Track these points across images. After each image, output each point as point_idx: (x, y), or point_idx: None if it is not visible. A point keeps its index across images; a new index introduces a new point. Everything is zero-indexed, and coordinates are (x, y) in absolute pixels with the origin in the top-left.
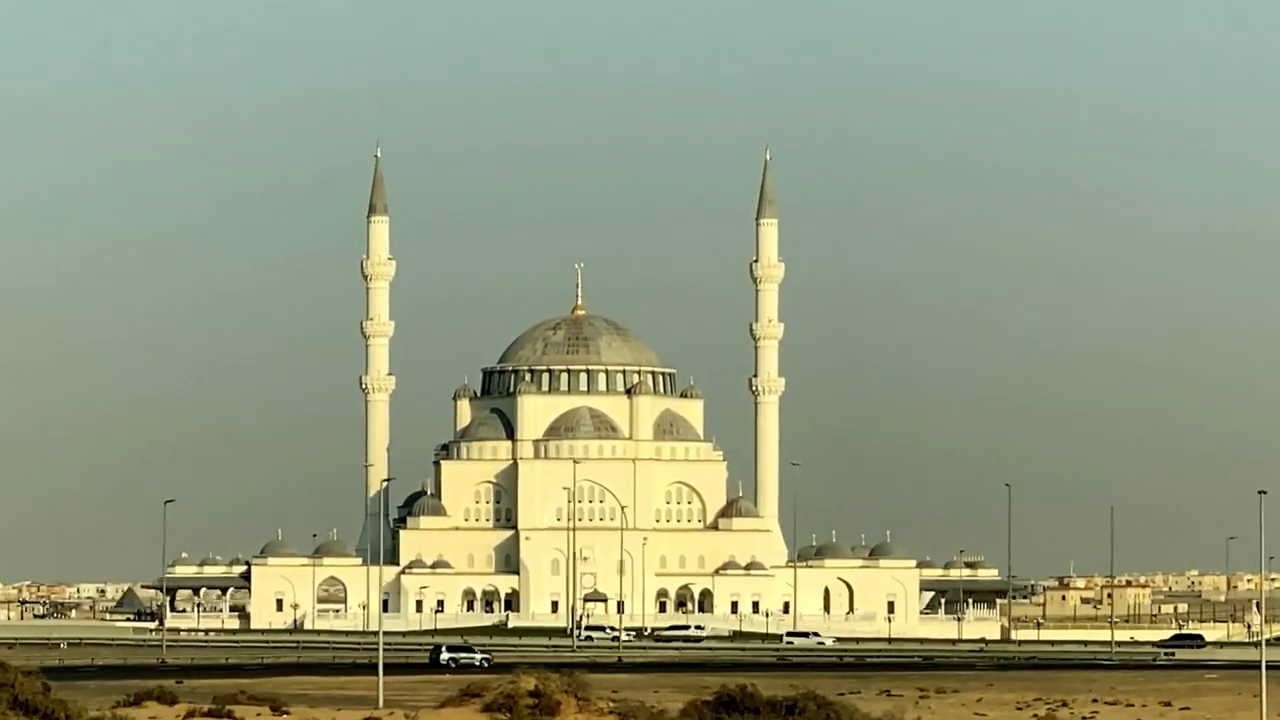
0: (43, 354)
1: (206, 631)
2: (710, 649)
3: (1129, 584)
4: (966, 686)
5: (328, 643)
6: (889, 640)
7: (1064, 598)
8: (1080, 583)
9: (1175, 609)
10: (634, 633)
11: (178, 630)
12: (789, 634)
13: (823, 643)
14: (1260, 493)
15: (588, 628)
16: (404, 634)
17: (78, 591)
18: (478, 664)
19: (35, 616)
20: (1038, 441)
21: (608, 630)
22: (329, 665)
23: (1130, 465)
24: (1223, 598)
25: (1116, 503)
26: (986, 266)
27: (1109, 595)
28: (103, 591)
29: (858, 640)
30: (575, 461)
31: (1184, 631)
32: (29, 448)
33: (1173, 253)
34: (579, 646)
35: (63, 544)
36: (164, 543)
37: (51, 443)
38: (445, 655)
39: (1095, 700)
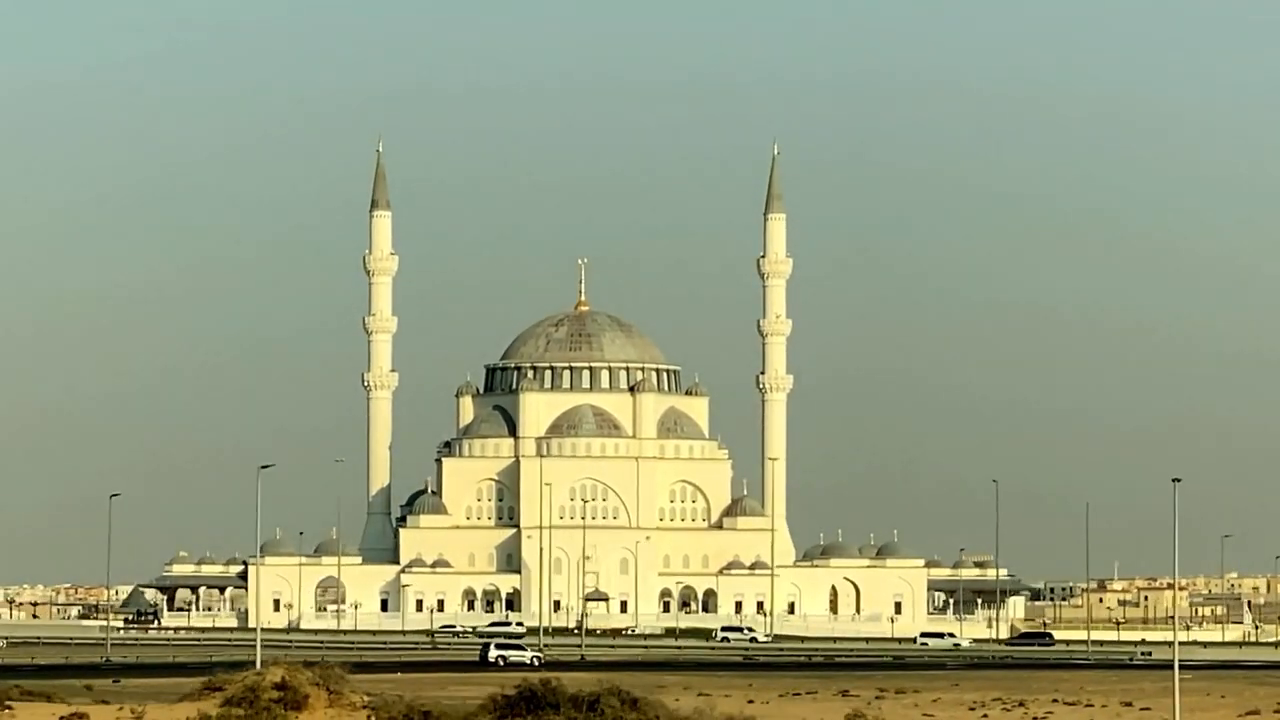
0: (40, 350)
1: (200, 630)
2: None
3: (1170, 586)
4: (930, 686)
5: (303, 642)
6: (895, 640)
7: (1101, 599)
8: (1118, 585)
9: (1213, 610)
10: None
11: (174, 629)
12: (724, 629)
13: (756, 639)
14: (1174, 480)
15: (724, 629)
16: (403, 632)
17: (115, 593)
18: (528, 662)
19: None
20: (1070, 444)
21: (745, 631)
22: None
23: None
24: (1263, 600)
25: (1157, 507)
26: (1002, 261)
27: (1145, 597)
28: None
29: (830, 639)
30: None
31: (1032, 630)
32: (32, 446)
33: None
34: (715, 647)
35: (65, 544)
36: (109, 542)
37: (50, 441)
38: (494, 653)
39: (1055, 700)
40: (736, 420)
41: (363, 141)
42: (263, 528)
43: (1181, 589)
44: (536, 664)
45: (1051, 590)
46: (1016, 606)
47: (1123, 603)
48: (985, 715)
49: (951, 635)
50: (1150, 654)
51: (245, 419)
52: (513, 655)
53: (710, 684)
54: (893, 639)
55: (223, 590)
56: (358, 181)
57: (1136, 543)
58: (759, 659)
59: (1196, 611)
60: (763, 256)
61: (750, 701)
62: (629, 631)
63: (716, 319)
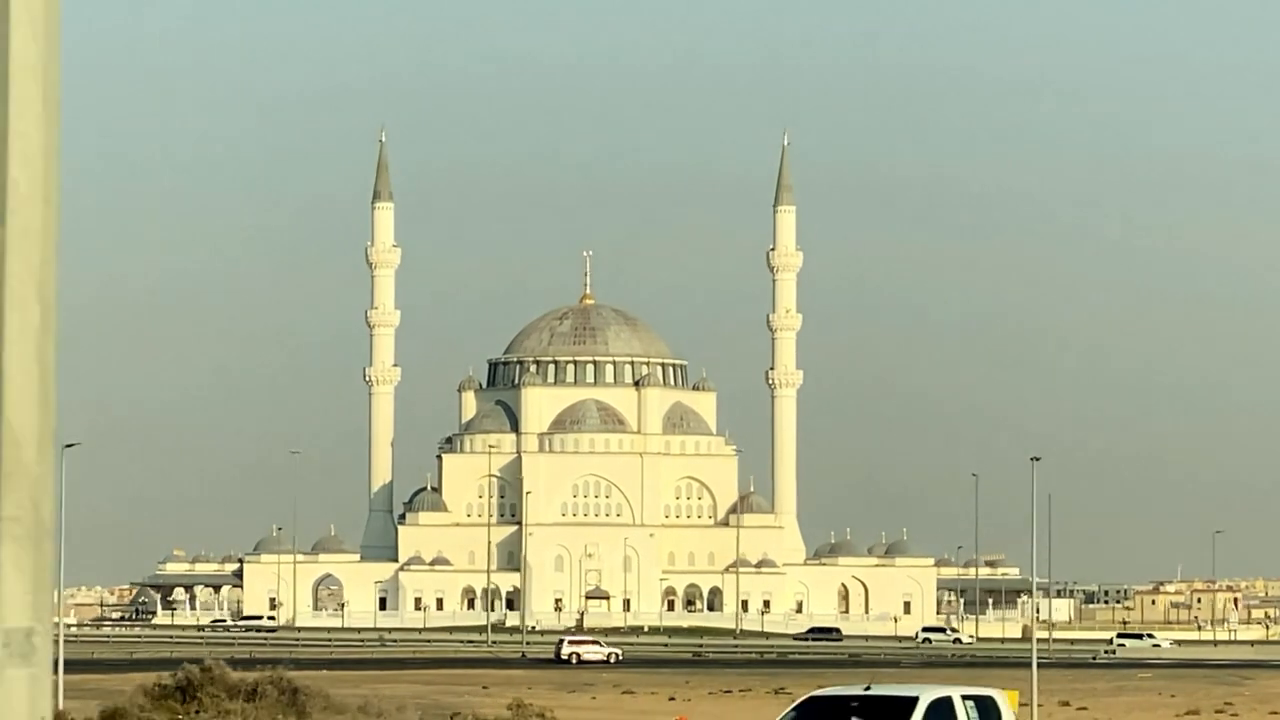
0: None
1: (182, 629)
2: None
3: (1229, 589)
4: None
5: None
6: (896, 639)
7: (1154, 601)
8: (1171, 587)
9: (1268, 614)
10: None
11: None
12: (925, 629)
13: (960, 639)
14: (972, 475)
15: (925, 629)
16: (393, 629)
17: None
18: (604, 659)
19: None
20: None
21: (948, 632)
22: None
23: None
24: None
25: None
26: (1024, 251)
27: (1198, 599)
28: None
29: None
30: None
31: (819, 626)
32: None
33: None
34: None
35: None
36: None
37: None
38: (567, 649)
39: None
40: (744, 416)
41: (365, 132)
42: (260, 525)
43: (1233, 591)
44: (613, 661)
45: (1105, 592)
46: (1059, 608)
47: (1175, 605)
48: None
49: (954, 630)
50: (1115, 652)
51: (244, 415)
52: (586, 652)
53: (646, 681)
54: (893, 637)
55: (218, 589)
56: (359, 173)
57: (1204, 546)
58: (707, 655)
59: (1249, 614)
60: (772, 249)
61: (671, 699)
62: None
63: (725, 313)
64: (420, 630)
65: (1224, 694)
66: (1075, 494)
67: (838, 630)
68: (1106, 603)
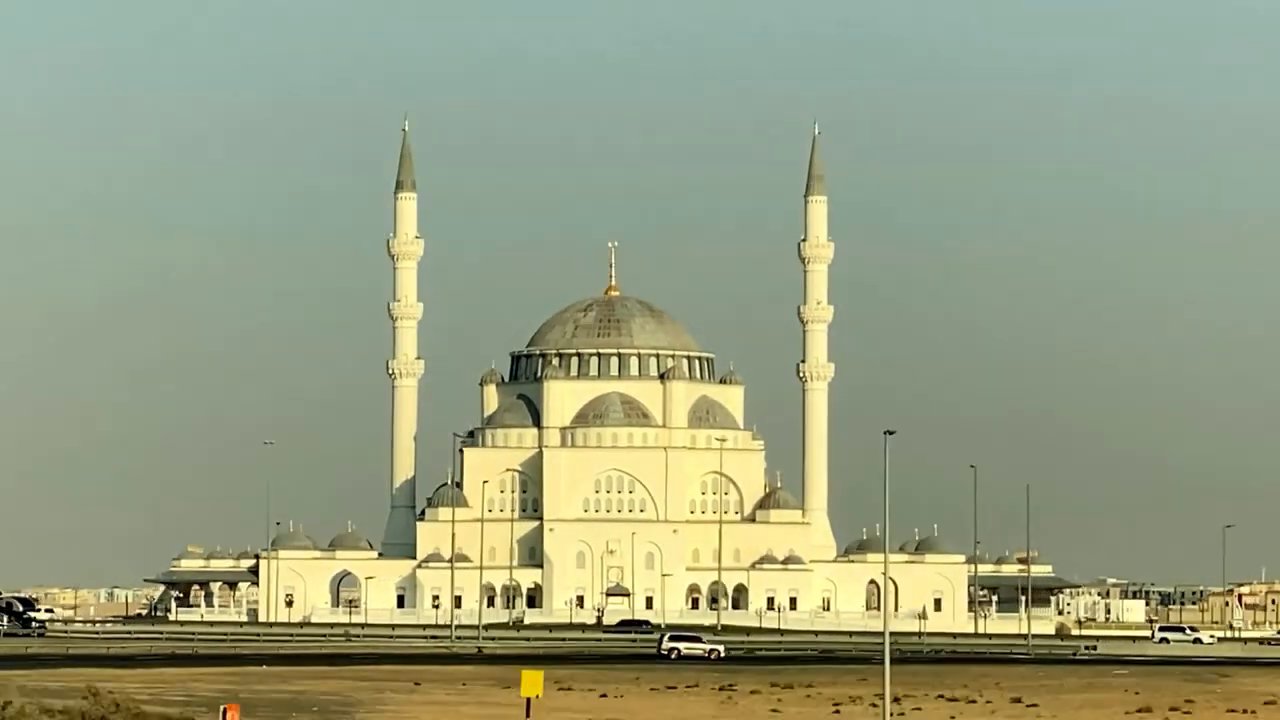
0: (52, 337)
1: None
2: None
3: None
4: (840, 680)
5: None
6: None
7: (1226, 603)
8: (1246, 589)
9: None
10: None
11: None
12: (1161, 629)
13: (1199, 639)
14: (886, 432)
15: (1162, 629)
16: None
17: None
18: (705, 654)
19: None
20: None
21: (1187, 631)
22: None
23: None
24: None
25: None
26: (1056, 237)
27: (1274, 600)
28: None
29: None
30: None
31: (632, 619)
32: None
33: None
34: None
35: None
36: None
37: (61, 435)
38: (667, 644)
39: (940, 696)
40: (773, 410)
41: (389, 121)
42: (278, 521)
43: None
44: (715, 657)
45: (1182, 594)
46: (1133, 610)
47: (1249, 606)
48: (837, 710)
49: (1194, 629)
50: (1095, 648)
51: (266, 408)
52: (686, 648)
53: (601, 678)
54: (910, 634)
55: (233, 586)
56: (383, 163)
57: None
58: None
59: None
60: (803, 240)
61: (603, 696)
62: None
63: (753, 305)
64: (424, 627)
65: (1194, 691)
66: (1155, 497)
67: (648, 623)
68: (1183, 604)
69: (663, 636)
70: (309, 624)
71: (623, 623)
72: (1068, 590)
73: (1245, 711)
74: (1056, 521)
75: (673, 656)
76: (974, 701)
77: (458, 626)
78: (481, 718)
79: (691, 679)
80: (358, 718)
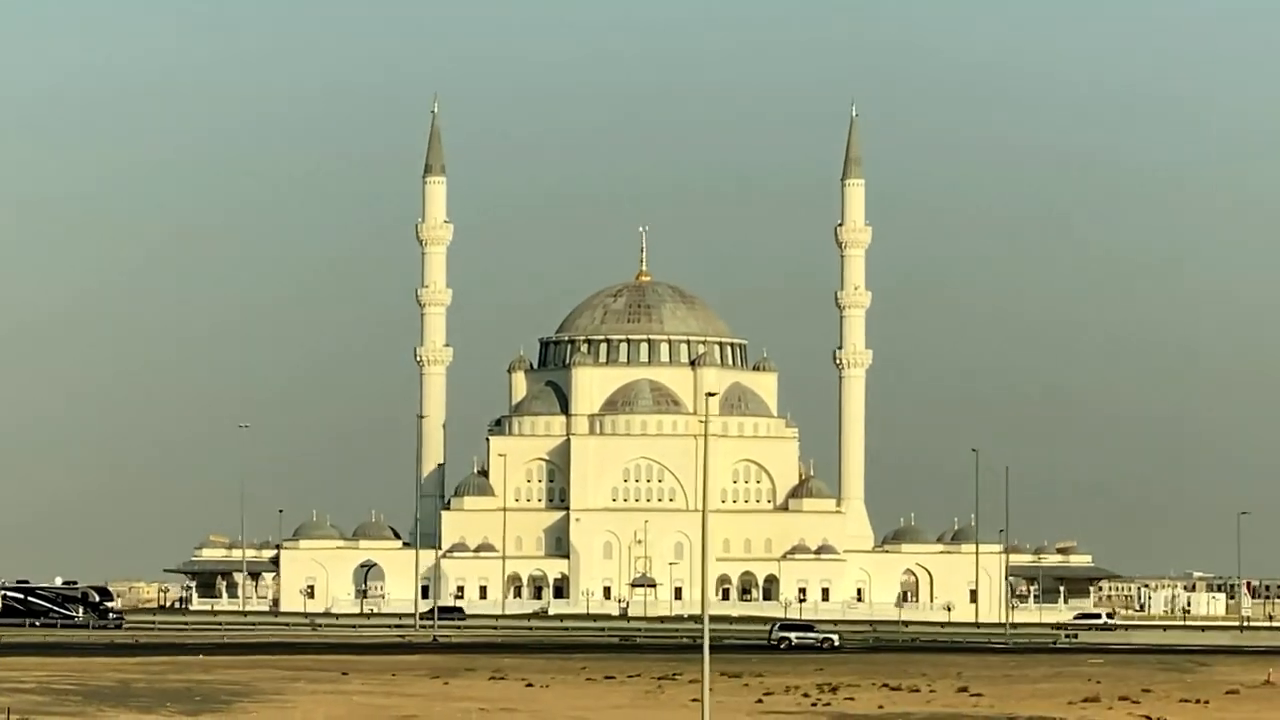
0: (66, 327)
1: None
2: None
3: None
4: (797, 670)
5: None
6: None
7: None
8: None
9: None
10: None
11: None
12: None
13: None
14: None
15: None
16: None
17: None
18: (818, 644)
19: None
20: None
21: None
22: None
23: None
24: None
25: None
26: (1100, 224)
27: None
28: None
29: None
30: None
31: (448, 605)
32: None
33: None
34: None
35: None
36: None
37: (78, 422)
38: (776, 634)
39: (885, 685)
40: (807, 398)
41: (418, 104)
42: (301, 510)
43: None
44: (827, 647)
45: (1266, 587)
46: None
47: None
48: (760, 701)
49: (1111, 615)
50: (1076, 637)
51: (292, 395)
52: (798, 637)
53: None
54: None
55: (256, 576)
56: (411, 146)
57: None
58: (635, 639)
59: None
60: (840, 225)
61: (529, 685)
62: None
63: (789, 291)
64: (400, 616)
65: (1160, 680)
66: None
67: (461, 610)
68: (1267, 597)
69: (774, 626)
70: (327, 614)
71: (442, 609)
72: (1153, 583)
73: (1199, 701)
74: (1101, 510)
75: (782, 646)
76: (917, 690)
77: (422, 615)
78: (371, 706)
79: (637, 669)
80: (236, 706)
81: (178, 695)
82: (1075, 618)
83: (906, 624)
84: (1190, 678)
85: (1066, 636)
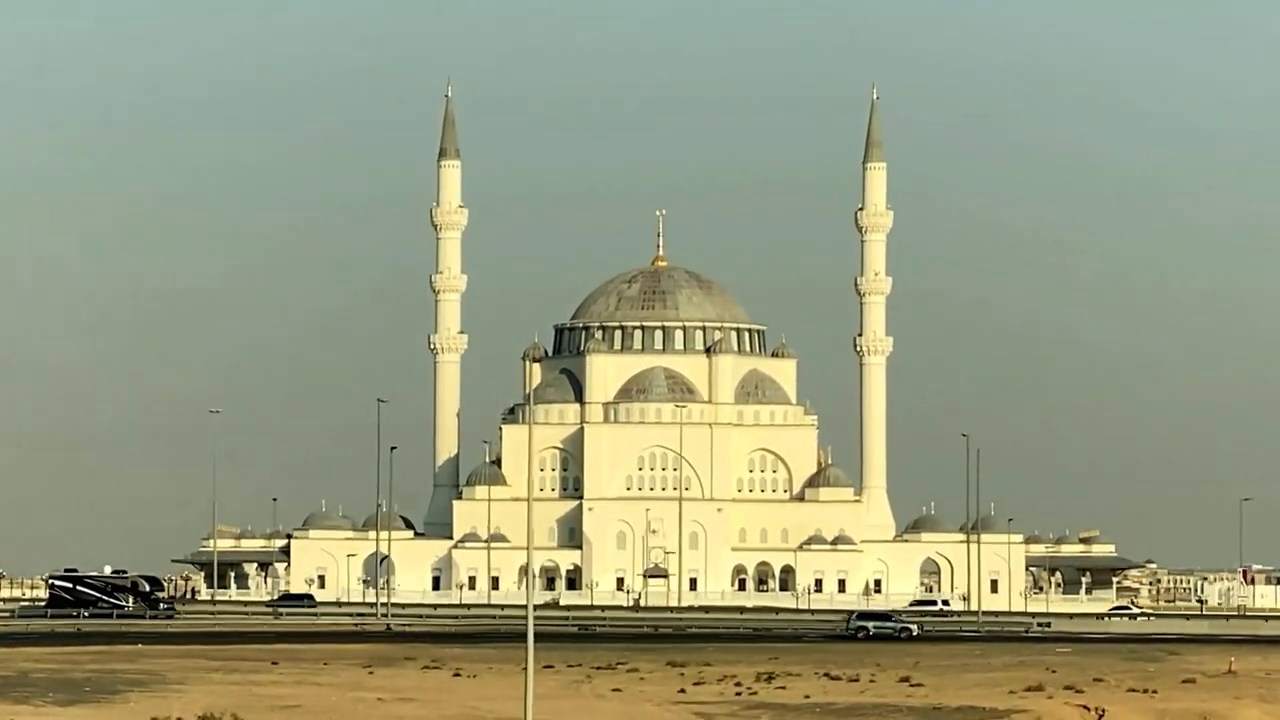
0: (79, 318)
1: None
2: None
3: None
4: (751, 660)
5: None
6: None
7: None
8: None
9: None
10: None
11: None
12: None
13: None
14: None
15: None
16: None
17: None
18: (895, 633)
19: None
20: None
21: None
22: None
23: None
24: None
25: None
26: (1122, 214)
27: None
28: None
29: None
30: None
31: (293, 592)
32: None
33: None
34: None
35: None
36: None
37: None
38: (854, 624)
39: (826, 675)
40: (827, 385)
41: (432, 87)
42: (311, 499)
43: None
44: (905, 636)
45: None
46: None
47: None
48: (684, 690)
49: (946, 603)
50: (1049, 625)
51: (303, 384)
52: (875, 626)
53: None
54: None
55: (265, 567)
56: (426, 130)
57: None
58: (595, 629)
59: None
60: (861, 209)
61: (456, 675)
62: None
63: (808, 277)
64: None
65: (1121, 670)
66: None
67: (310, 597)
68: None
69: (851, 616)
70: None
71: (285, 596)
72: (1210, 576)
73: (1147, 691)
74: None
75: (860, 636)
76: (855, 680)
77: (391, 604)
78: (261, 695)
79: (582, 659)
80: (121, 696)
81: (72, 686)
82: (1112, 609)
83: (958, 614)
84: (1154, 667)
85: (1038, 625)
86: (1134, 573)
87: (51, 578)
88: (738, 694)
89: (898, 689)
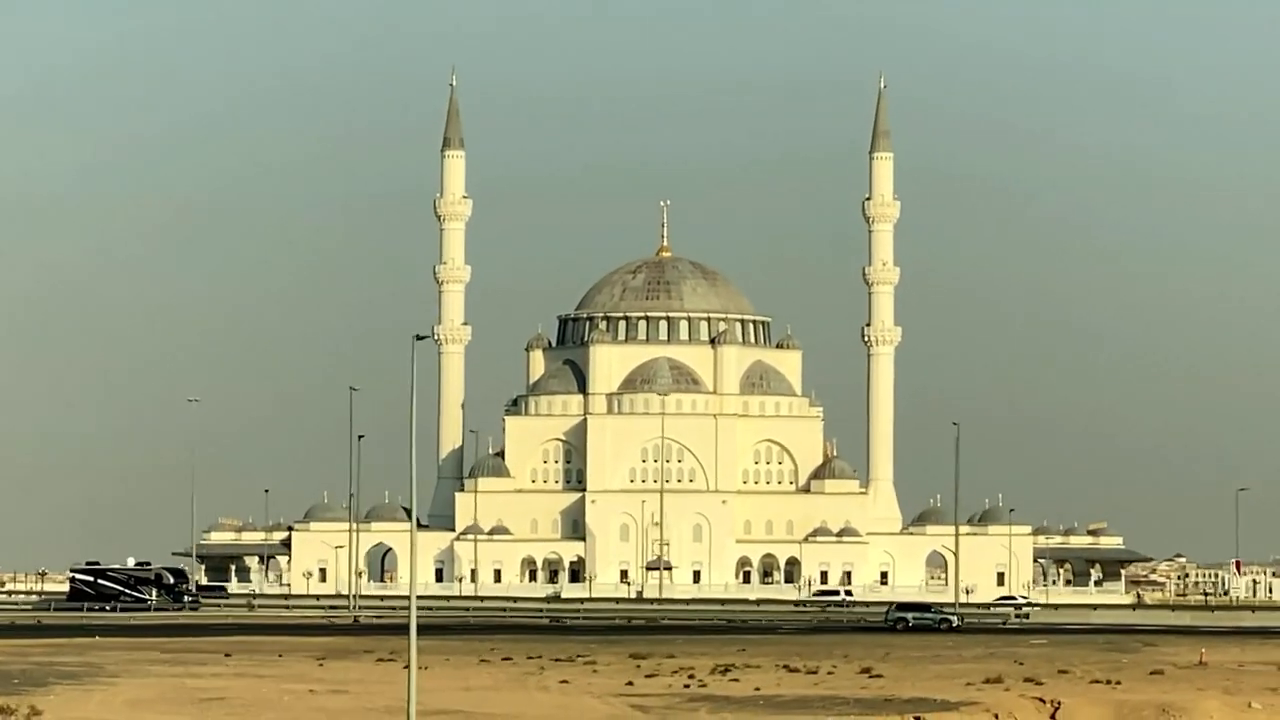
0: (81, 312)
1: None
2: None
3: None
4: (719, 652)
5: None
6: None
7: None
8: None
9: None
10: None
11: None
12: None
13: None
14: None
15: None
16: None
17: None
18: (935, 625)
19: None
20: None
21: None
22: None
23: None
24: None
25: None
26: (1130, 206)
27: None
28: None
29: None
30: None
31: (212, 584)
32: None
33: None
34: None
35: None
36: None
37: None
38: (893, 615)
39: (785, 666)
40: (833, 377)
41: (435, 76)
42: (313, 491)
43: None
44: (945, 627)
45: None
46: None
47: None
48: (633, 683)
49: (849, 593)
50: (1028, 616)
51: (303, 375)
52: (915, 618)
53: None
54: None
55: (264, 560)
56: (429, 120)
57: None
58: (565, 620)
59: None
60: (868, 199)
61: (424, 667)
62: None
63: (814, 267)
64: (341, 597)
65: (1096, 660)
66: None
67: (223, 588)
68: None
69: (891, 607)
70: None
71: (203, 587)
72: (1248, 568)
73: (1110, 682)
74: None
75: (899, 627)
76: (814, 672)
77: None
78: (191, 688)
79: (542, 651)
80: (44, 689)
81: (3, 678)
82: (998, 600)
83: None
84: (1126, 658)
85: (1016, 616)
86: (1163, 565)
87: (72, 571)
88: (686, 687)
89: (854, 681)
